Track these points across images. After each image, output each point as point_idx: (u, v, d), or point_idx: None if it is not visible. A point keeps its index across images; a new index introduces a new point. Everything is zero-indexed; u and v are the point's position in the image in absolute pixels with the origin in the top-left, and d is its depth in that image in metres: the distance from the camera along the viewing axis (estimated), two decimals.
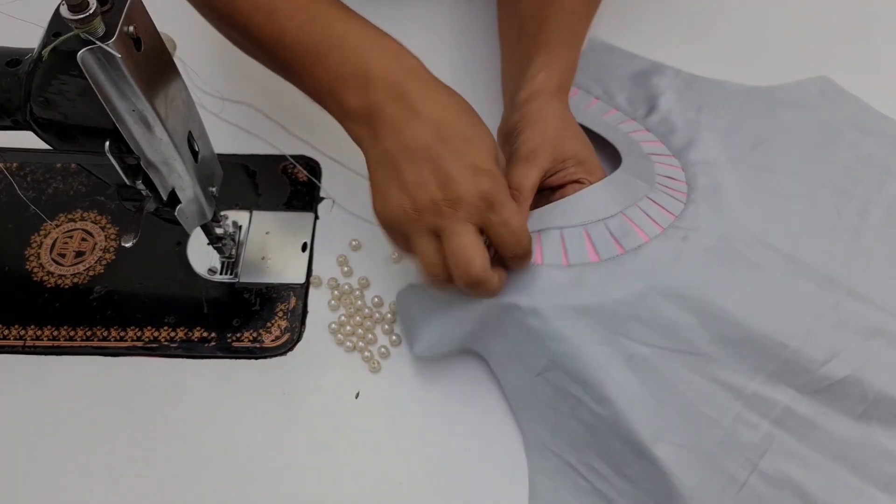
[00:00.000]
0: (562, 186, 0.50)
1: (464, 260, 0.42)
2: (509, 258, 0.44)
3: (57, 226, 0.57)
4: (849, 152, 0.58)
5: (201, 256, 0.56)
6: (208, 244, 0.54)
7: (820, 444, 0.45)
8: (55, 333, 0.53)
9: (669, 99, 0.60)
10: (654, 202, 0.50)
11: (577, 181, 0.49)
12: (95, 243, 0.57)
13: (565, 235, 0.48)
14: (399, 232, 0.44)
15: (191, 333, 0.53)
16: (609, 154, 0.58)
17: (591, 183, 0.49)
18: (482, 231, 0.43)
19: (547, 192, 0.51)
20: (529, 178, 0.48)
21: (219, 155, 0.49)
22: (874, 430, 0.46)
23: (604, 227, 0.48)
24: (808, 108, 0.60)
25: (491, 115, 0.56)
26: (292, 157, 0.61)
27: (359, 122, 0.45)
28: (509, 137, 0.51)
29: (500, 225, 0.42)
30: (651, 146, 0.57)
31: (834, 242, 0.52)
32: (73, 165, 0.60)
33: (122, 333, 0.53)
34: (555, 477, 0.47)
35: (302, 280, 0.55)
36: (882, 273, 0.52)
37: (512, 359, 0.48)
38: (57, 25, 0.36)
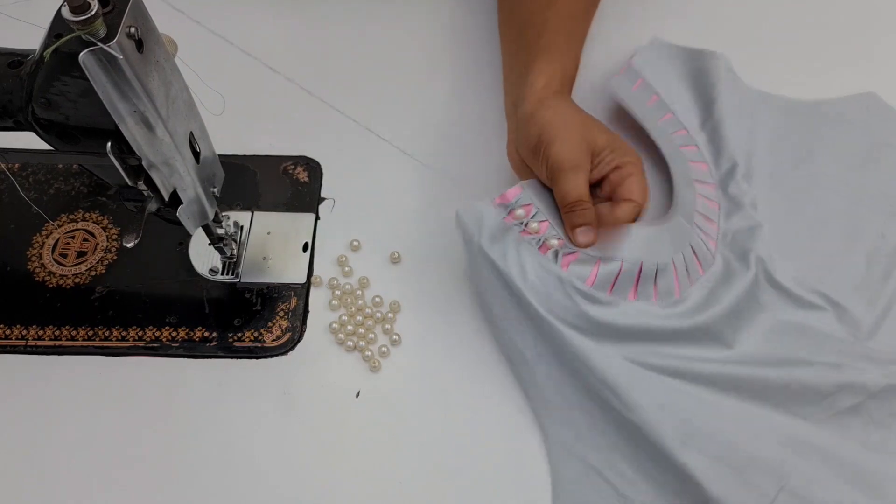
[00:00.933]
0: (604, 178, 0.52)
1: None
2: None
3: (59, 226, 0.58)
4: (892, 170, 0.57)
5: (203, 256, 0.56)
6: (209, 244, 0.54)
7: (837, 470, 0.46)
8: (57, 333, 0.53)
9: (724, 109, 0.58)
10: (694, 252, 0.52)
11: (617, 167, 0.51)
12: (97, 243, 0.57)
13: (624, 268, 0.49)
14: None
15: (192, 333, 0.53)
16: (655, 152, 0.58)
17: (630, 164, 0.51)
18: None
19: (592, 187, 0.52)
20: (585, 186, 0.50)
21: (220, 155, 0.49)
22: (887, 455, 0.46)
23: (653, 271, 0.50)
24: (853, 125, 0.60)
25: (492, 117, 0.56)
26: (292, 157, 0.61)
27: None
28: (537, 152, 0.51)
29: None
30: (697, 169, 0.57)
31: (870, 270, 0.53)
32: (74, 166, 0.60)
33: (124, 333, 0.53)
34: (579, 482, 0.46)
35: (303, 280, 0.55)
36: None
37: (543, 357, 0.49)
38: (58, 27, 0.36)
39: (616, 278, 0.49)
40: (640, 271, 0.50)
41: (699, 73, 0.61)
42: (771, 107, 0.61)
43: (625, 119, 0.60)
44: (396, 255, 0.56)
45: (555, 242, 0.50)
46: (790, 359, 0.48)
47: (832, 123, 0.60)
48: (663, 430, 0.46)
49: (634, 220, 0.51)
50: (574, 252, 0.50)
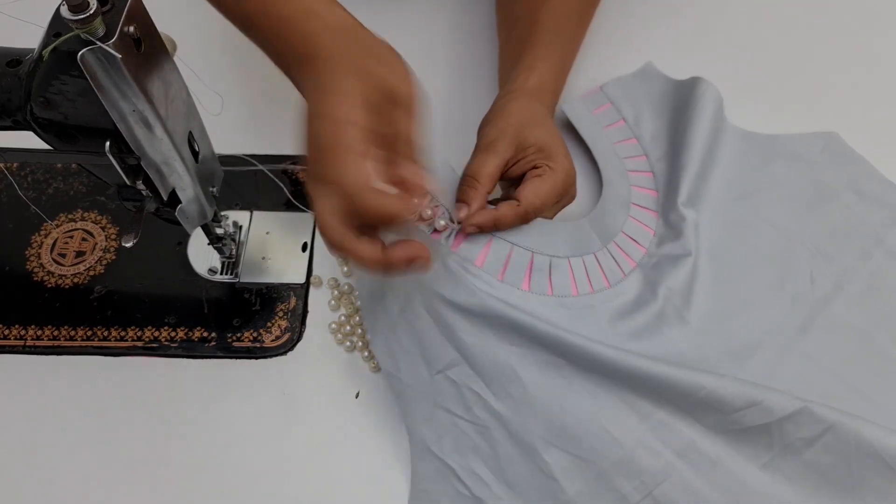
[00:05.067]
0: (524, 174, 0.50)
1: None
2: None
3: (57, 226, 0.58)
4: (839, 214, 0.56)
5: (202, 256, 0.56)
6: (209, 244, 0.54)
7: (719, 483, 0.45)
8: (56, 333, 0.53)
9: (692, 140, 0.56)
10: (598, 263, 0.51)
11: (535, 167, 0.49)
12: (96, 243, 0.57)
13: (514, 253, 0.49)
14: None
15: (191, 333, 0.53)
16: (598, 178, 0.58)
17: (547, 168, 0.49)
18: None
19: (510, 182, 0.52)
20: (486, 165, 0.49)
21: (219, 155, 0.49)
22: (778, 481, 0.45)
23: (546, 263, 0.50)
24: (805, 163, 0.58)
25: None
26: (292, 156, 0.61)
27: (302, 92, 0.44)
28: (478, 133, 0.52)
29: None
30: (642, 195, 0.56)
31: (791, 315, 0.51)
32: (73, 165, 0.60)
33: (123, 333, 0.53)
34: (436, 482, 0.47)
35: (302, 280, 0.55)
36: (841, 350, 0.50)
37: (410, 354, 0.48)
38: (57, 26, 0.36)
39: (506, 263, 0.49)
40: (532, 261, 0.49)
41: (681, 103, 0.59)
42: (734, 137, 0.59)
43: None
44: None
45: (441, 223, 0.49)
46: (700, 369, 0.46)
47: (784, 160, 0.58)
48: (531, 427, 0.46)
49: (514, 222, 0.49)
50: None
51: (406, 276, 0.46)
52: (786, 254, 0.54)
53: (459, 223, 0.49)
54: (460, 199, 0.49)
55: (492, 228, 0.49)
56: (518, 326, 0.46)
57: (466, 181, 0.49)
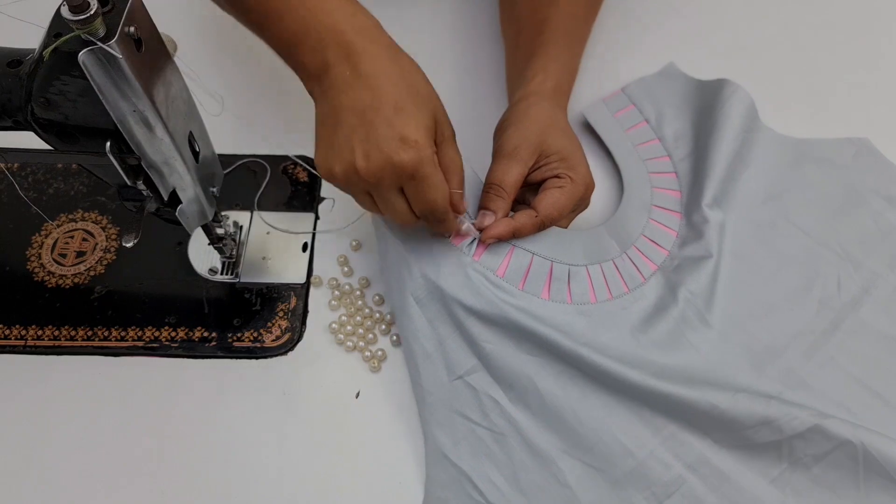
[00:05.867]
0: (543, 181, 0.50)
1: (399, 222, 0.46)
2: (425, 219, 0.46)
3: (58, 226, 0.58)
4: (870, 220, 0.56)
5: (202, 256, 0.56)
6: (209, 244, 0.54)
7: (729, 497, 0.45)
8: (56, 333, 0.53)
9: (720, 140, 0.56)
10: (617, 270, 0.52)
11: (556, 176, 0.50)
12: (96, 243, 0.57)
13: (534, 262, 0.50)
14: (339, 186, 0.46)
15: (191, 333, 0.53)
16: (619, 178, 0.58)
17: (567, 179, 0.49)
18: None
19: (530, 188, 0.52)
20: (511, 174, 0.49)
21: (219, 155, 0.49)
22: (786, 496, 0.45)
23: (565, 272, 0.50)
24: (837, 168, 0.58)
25: (493, 116, 0.56)
26: (292, 157, 0.61)
27: (312, 79, 0.46)
28: (497, 135, 0.52)
29: (415, 195, 0.44)
30: (665, 196, 0.56)
31: (818, 318, 0.51)
32: (73, 166, 0.60)
33: (123, 333, 0.53)
34: (450, 488, 0.47)
35: (302, 280, 0.55)
36: (866, 355, 0.50)
37: (431, 360, 0.49)
38: (58, 26, 0.36)
39: (527, 272, 0.49)
40: (552, 270, 0.50)
41: (706, 103, 0.59)
42: (767, 139, 0.59)
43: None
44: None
45: (463, 227, 0.49)
46: (714, 386, 0.47)
47: (814, 164, 0.58)
48: (547, 435, 0.47)
49: (531, 232, 0.50)
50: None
51: (427, 276, 0.48)
52: (813, 258, 0.54)
53: (481, 230, 0.49)
54: (487, 206, 0.49)
55: (510, 238, 0.49)
56: (537, 337, 0.47)
57: (493, 189, 0.49)
